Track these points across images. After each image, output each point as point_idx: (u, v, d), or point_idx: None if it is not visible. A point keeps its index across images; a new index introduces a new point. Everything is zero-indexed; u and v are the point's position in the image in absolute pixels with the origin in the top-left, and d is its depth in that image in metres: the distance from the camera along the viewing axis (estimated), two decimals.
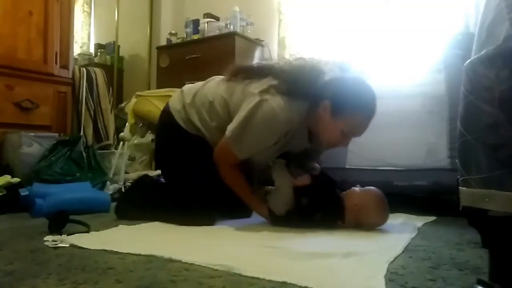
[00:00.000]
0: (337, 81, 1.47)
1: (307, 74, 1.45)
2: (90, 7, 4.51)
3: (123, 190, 2.29)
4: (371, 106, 1.42)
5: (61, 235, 1.24)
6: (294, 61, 1.55)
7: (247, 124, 1.41)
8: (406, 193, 1.88)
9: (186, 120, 1.60)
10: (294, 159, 1.61)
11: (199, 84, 1.68)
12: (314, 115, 1.45)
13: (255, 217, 1.60)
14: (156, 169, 2.50)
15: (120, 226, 1.47)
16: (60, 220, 1.34)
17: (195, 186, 1.56)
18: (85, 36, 4.48)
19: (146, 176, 1.90)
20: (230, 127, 1.44)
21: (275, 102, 1.38)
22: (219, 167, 1.51)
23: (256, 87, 1.45)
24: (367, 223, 1.40)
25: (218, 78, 1.65)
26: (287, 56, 2.94)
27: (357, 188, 1.47)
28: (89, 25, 4.52)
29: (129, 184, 2.34)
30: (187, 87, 1.70)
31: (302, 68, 1.48)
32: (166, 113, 1.66)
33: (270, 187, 1.58)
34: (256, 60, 2.95)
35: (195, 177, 1.57)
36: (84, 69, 2.97)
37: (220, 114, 1.53)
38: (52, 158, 2.23)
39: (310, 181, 1.46)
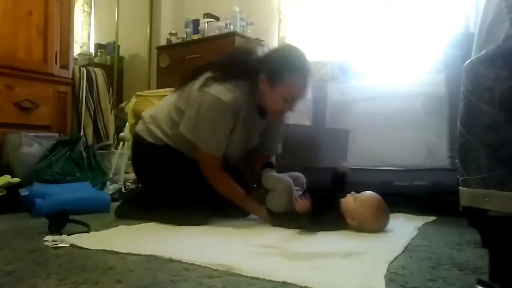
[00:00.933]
0: (268, 54, 1.59)
1: (236, 57, 1.62)
2: (90, 7, 4.51)
3: (123, 190, 2.29)
4: (304, 68, 1.52)
5: (61, 235, 1.24)
6: (232, 51, 1.70)
7: (198, 120, 1.50)
8: (406, 193, 1.88)
9: (151, 135, 1.65)
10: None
11: (156, 104, 1.81)
12: (257, 91, 1.54)
13: (254, 217, 1.60)
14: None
15: (120, 226, 1.46)
16: (60, 220, 1.34)
17: (177, 191, 1.58)
18: (85, 36, 4.48)
19: None
20: (184, 129, 1.52)
21: (214, 90, 1.48)
22: (209, 177, 1.55)
23: (196, 84, 1.54)
24: (369, 231, 1.38)
25: (171, 92, 1.75)
26: None
27: (352, 197, 1.42)
28: (89, 25, 4.52)
29: (129, 184, 2.34)
30: (145, 111, 1.84)
31: (234, 53, 1.65)
32: (135, 136, 1.76)
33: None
34: None
35: (174, 183, 1.59)
36: (84, 69, 2.97)
37: (178, 121, 1.59)
38: (52, 158, 2.22)
39: (310, 207, 1.41)
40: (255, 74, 1.53)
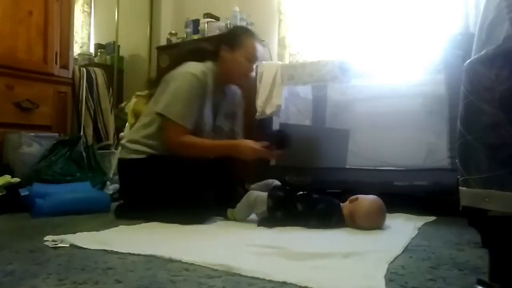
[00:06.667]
0: (220, 33, 2.01)
1: (193, 48, 1.91)
2: (90, 7, 4.51)
3: None
4: (252, 33, 1.80)
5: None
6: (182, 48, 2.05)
7: (170, 95, 1.62)
8: (406, 193, 1.88)
9: (134, 152, 1.69)
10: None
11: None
12: (221, 65, 1.73)
13: (254, 217, 1.60)
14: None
15: (120, 226, 1.46)
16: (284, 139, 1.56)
17: (175, 193, 1.58)
18: (85, 36, 4.47)
19: None
20: (160, 107, 1.62)
21: (183, 68, 1.67)
22: (175, 146, 1.62)
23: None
24: (363, 220, 1.41)
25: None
26: (287, 56, 2.94)
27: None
28: (89, 25, 4.51)
29: None
30: (122, 141, 1.92)
31: (187, 47, 2.01)
32: (118, 162, 1.81)
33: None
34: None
35: (170, 187, 1.60)
36: (84, 69, 2.97)
37: (153, 123, 1.69)
38: (52, 158, 2.22)
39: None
40: (215, 50, 1.75)
